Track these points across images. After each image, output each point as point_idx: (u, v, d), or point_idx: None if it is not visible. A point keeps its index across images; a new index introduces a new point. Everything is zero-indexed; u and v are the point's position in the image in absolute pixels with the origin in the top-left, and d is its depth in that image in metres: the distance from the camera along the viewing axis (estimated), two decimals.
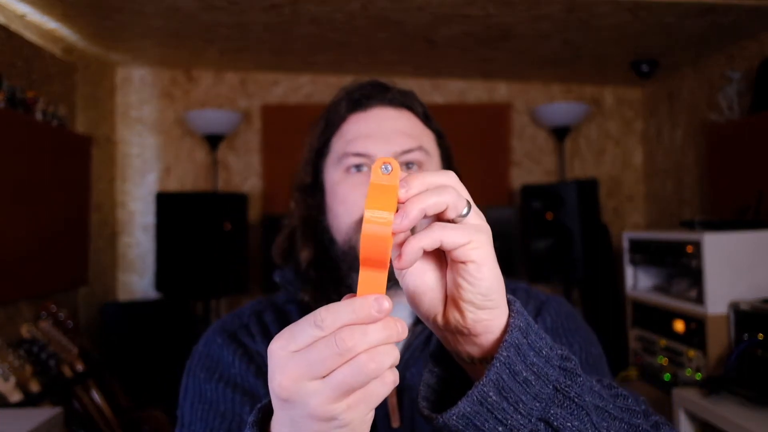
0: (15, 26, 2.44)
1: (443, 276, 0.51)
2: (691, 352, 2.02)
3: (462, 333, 0.49)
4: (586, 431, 0.50)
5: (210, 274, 3.00)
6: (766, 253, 1.96)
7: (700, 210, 3.03)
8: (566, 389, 0.50)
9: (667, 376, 2.16)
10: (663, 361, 2.20)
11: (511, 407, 0.47)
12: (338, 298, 0.86)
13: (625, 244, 2.46)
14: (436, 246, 0.46)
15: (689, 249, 2.04)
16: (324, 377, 0.42)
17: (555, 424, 0.49)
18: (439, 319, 0.51)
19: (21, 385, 1.94)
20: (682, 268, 2.12)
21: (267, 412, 0.50)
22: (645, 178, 3.66)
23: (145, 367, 2.85)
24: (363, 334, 0.42)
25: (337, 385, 0.42)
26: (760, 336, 1.76)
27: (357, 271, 0.81)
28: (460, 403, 0.47)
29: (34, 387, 2.00)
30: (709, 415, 1.66)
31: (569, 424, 0.49)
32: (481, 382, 0.47)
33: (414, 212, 0.46)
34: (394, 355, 0.43)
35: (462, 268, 0.47)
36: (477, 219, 0.49)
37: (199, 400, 0.77)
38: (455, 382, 0.55)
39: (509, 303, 0.50)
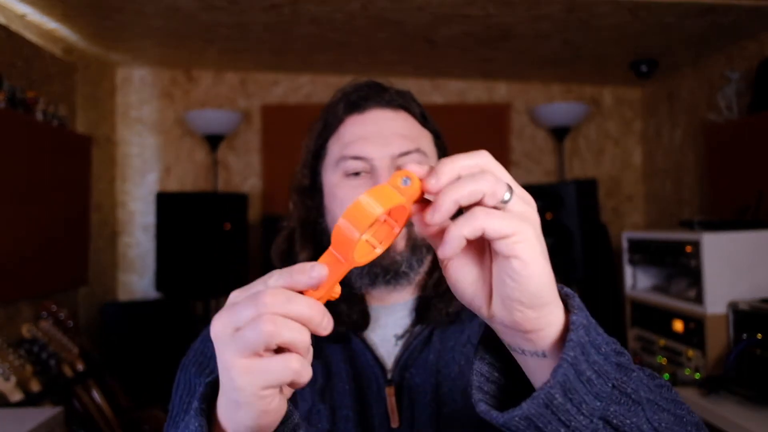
0: (15, 26, 2.44)
1: (486, 269, 0.48)
2: (690, 352, 2.03)
3: (509, 328, 0.47)
4: (642, 425, 0.49)
5: (210, 274, 3.00)
6: (765, 253, 1.97)
7: (699, 210, 3.03)
8: (623, 386, 0.48)
9: (666, 376, 2.17)
10: (662, 360, 2.20)
11: (575, 408, 0.46)
12: (336, 299, 0.86)
13: (625, 244, 2.47)
14: (478, 234, 0.43)
15: (688, 249, 2.04)
16: (239, 330, 0.43)
17: (614, 422, 0.48)
18: (484, 312, 0.48)
19: (21, 385, 1.95)
20: (682, 267, 2.12)
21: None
22: (644, 178, 3.67)
23: (145, 366, 2.85)
24: (284, 300, 0.42)
25: (241, 338, 0.42)
26: (759, 336, 1.76)
27: (356, 267, 0.81)
28: (524, 404, 0.46)
29: (35, 386, 2.00)
30: (709, 414, 1.67)
31: (627, 420, 0.48)
32: (549, 384, 0.45)
33: (446, 205, 0.43)
34: (298, 334, 0.42)
35: (506, 264, 0.44)
36: (521, 205, 0.45)
37: (187, 392, 0.78)
38: (507, 369, 0.53)
39: (567, 297, 0.48)
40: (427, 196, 0.46)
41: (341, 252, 0.45)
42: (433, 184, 0.44)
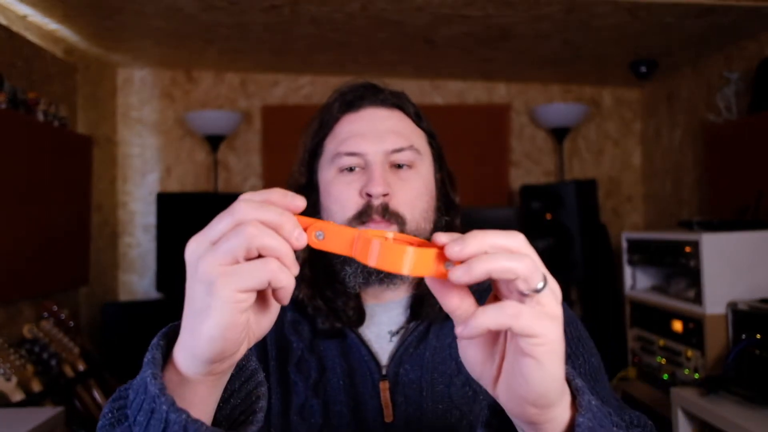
0: (16, 27, 2.45)
1: (499, 350, 0.47)
2: (690, 352, 2.03)
3: (511, 412, 0.48)
4: None
5: None
6: (764, 254, 1.97)
7: (698, 210, 3.04)
8: None
9: (665, 376, 2.17)
10: (661, 360, 2.21)
11: None
12: (333, 295, 0.87)
13: (624, 244, 2.47)
14: (503, 329, 0.43)
15: (687, 249, 2.05)
16: (217, 242, 0.44)
17: None
18: (490, 390, 0.48)
19: (23, 385, 1.95)
20: (681, 268, 2.13)
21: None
22: (644, 179, 3.67)
23: None
24: (256, 208, 0.44)
25: (221, 245, 0.44)
26: (758, 336, 1.76)
27: (349, 265, 0.82)
28: None
29: (36, 387, 2.01)
30: (707, 414, 1.67)
31: None
32: None
33: (477, 272, 0.42)
34: (278, 242, 0.44)
35: (522, 360, 0.44)
36: (551, 299, 0.44)
37: None
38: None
39: (576, 392, 0.48)
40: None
41: (357, 247, 0.46)
42: (456, 252, 0.43)
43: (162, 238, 3.05)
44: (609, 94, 3.69)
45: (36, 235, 2.40)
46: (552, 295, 0.44)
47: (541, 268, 0.44)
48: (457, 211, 0.91)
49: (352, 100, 0.86)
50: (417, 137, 0.87)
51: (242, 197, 0.46)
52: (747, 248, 1.97)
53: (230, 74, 3.50)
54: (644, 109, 3.65)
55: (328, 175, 0.85)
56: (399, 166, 0.83)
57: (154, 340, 0.51)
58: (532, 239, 2.42)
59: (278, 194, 0.47)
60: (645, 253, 2.35)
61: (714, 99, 2.80)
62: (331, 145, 0.86)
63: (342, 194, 0.82)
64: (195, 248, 0.46)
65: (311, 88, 3.53)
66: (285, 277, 0.44)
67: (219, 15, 2.48)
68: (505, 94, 3.65)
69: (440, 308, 0.82)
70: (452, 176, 0.92)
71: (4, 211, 2.18)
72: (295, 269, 0.45)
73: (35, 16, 2.52)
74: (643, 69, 3.02)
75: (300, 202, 0.46)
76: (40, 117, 2.45)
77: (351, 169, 0.83)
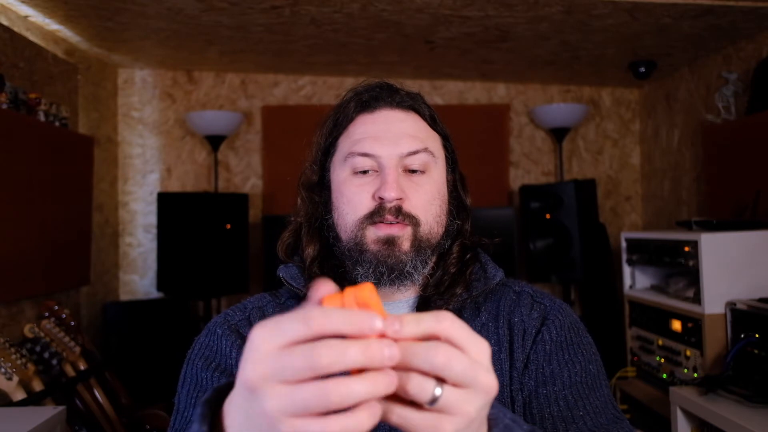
0: (18, 28, 2.46)
1: None
2: (688, 351, 2.04)
3: None
4: None
5: (211, 274, 3.01)
6: (763, 253, 1.98)
7: (697, 210, 3.05)
8: None
9: (664, 375, 2.18)
10: (660, 360, 2.22)
11: None
12: None
13: (623, 244, 2.48)
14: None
15: (686, 249, 2.06)
16: (289, 384, 0.40)
17: None
18: None
19: (24, 384, 1.96)
20: (680, 267, 2.14)
21: (223, 392, 0.49)
22: (642, 179, 3.68)
23: (147, 366, 2.86)
24: (340, 354, 0.39)
25: (296, 400, 0.39)
26: (757, 335, 1.77)
27: (362, 266, 0.82)
28: None
29: (37, 386, 2.01)
30: (706, 413, 1.68)
31: None
32: None
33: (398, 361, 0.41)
34: (360, 391, 0.39)
35: None
36: (455, 397, 0.43)
37: (195, 387, 0.79)
38: None
39: None
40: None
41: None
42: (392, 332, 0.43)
43: (163, 237, 3.05)
44: (608, 95, 3.70)
45: (37, 234, 2.41)
46: (460, 400, 0.43)
47: (436, 366, 0.42)
48: (467, 215, 0.91)
49: (368, 100, 0.87)
50: (432, 140, 0.87)
51: (331, 328, 0.40)
52: (745, 248, 1.98)
53: (231, 75, 3.51)
54: (643, 110, 3.66)
55: (341, 174, 0.85)
56: (413, 171, 0.84)
57: (199, 410, 0.49)
58: (532, 239, 2.41)
59: (364, 323, 0.40)
60: (644, 253, 2.36)
61: (712, 99, 2.81)
62: (344, 145, 0.86)
63: (355, 196, 0.83)
64: (259, 383, 0.40)
65: (311, 89, 3.54)
66: (375, 417, 0.40)
67: (219, 16, 2.49)
68: (504, 95, 3.65)
69: (445, 309, 0.83)
70: (464, 179, 0.93)
71: (5, 211, 2.19)
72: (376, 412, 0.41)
73: (36, 17, 2.53)
74: (642, 69, 3.04)
75: (381, 325, 0.41)
76: (42, 117, 2.46)
77: (365, 172, 0.83)
